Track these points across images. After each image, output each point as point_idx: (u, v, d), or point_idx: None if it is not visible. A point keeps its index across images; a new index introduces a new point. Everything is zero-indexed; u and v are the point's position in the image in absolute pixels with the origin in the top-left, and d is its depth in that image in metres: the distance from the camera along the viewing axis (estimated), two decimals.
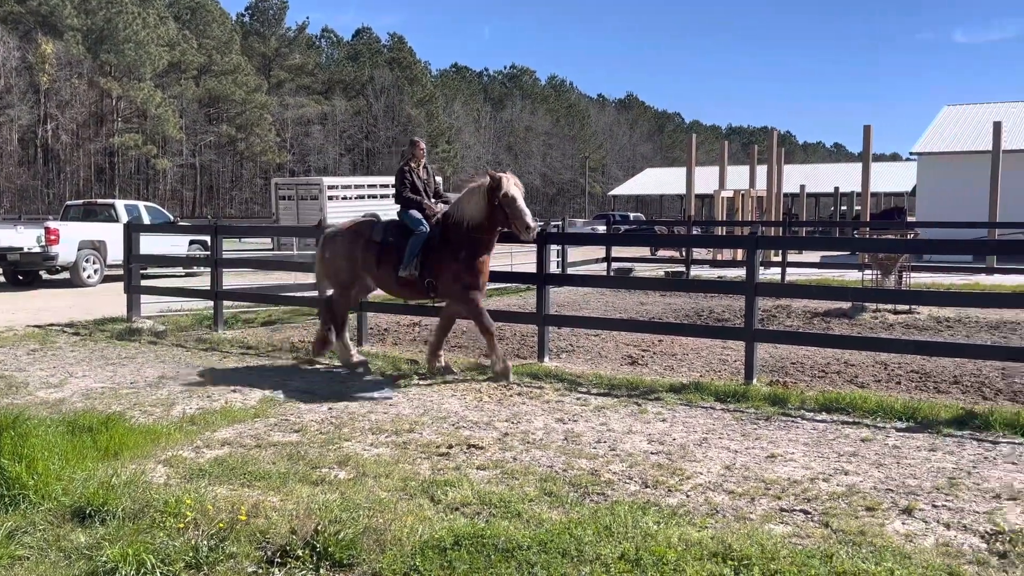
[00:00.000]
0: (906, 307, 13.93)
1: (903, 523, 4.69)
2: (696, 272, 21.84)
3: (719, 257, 26.22)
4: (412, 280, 8.62)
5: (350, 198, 27.81)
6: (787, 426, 6.80)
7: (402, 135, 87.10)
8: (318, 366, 9.40)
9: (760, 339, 8.65)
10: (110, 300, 15.17)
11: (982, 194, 25.76)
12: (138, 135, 70.76)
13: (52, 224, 19.88)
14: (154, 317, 12.86)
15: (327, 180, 28.10)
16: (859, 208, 32.58)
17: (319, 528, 4.42)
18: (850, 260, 21.39)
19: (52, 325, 12.44)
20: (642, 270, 22.22)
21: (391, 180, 31.59)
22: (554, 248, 15.82)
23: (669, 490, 5.25)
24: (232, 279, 18.38)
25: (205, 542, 4.36)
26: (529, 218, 8.21)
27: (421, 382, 8.56)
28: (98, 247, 20.02)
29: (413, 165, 9.17)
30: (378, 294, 10.37)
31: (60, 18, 68.08)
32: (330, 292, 9.59)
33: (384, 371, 9.05)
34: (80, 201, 26.79)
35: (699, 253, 23.54)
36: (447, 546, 4.27)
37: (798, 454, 6.01)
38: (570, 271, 17.19)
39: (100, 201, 24.95)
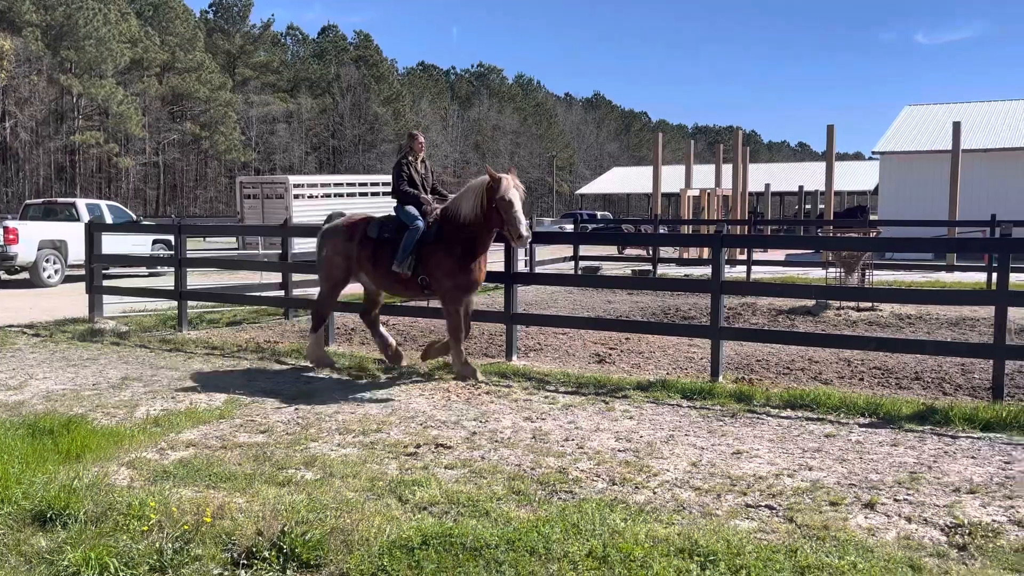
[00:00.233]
0: (869, 304, 14.13)
1: (866, 517, 4.76)
2: (663, 270, 21.99)
3: (686, 255, 26.42)
4: (406, 277, 8.46)
5: (316, 197, 27.55)
6: (752, 423, 6.87)
7: (369, 133, 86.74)
8: (284, 367, 9.33)
9: (726, 337, 8.73)
10: (71, 301, 14.95)
11: (942, 193, 26.20)
12: (99, 133, 69.70)
13: (11, 223, 19.56)
14: (117, 318, 12.69)
15: (293, 179, 27.79)
16: (823, 207, 32.98)
17: (286, 529, 4.39)
18: (814, 258, 21.64)
19: (11, 326, 12.22)
20: (609, 269, 22.32)
21: (359, 179, 31.53)
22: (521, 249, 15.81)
23: (636, 487, 5.29)
24: (197, 279, 18.22)
25: (170, 544, 4.31)
26: (523, 227, 7.98)
27: (388, 382, 8.54)
28: (59, 247, 19.73)
29: (411, 159, 8.94)
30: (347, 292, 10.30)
31: (18, 14, 66.83)
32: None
33: (351, 371, 9.01)
34: (40, 200, 26.35)
35: (666, 252, 23.69)
36: (415, 546, 4.26)
37: (763, 450, 6.07)
38: (538, 270, 17.24)
39: (61, 200, 24.57)
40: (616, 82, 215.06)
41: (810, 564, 4.08)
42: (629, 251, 26.19)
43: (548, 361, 9.72)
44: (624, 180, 71.75)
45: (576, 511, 4.76)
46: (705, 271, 19.94)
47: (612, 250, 26.36)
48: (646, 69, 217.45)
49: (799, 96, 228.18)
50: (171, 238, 17.40)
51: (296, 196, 26.27)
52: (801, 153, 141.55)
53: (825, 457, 5.90)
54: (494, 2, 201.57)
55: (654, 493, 5.18)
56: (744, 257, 21.47)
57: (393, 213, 8.88)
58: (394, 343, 9.22)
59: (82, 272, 14.22)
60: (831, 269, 16.13)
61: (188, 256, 12.83)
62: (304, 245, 20.39)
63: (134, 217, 24.74)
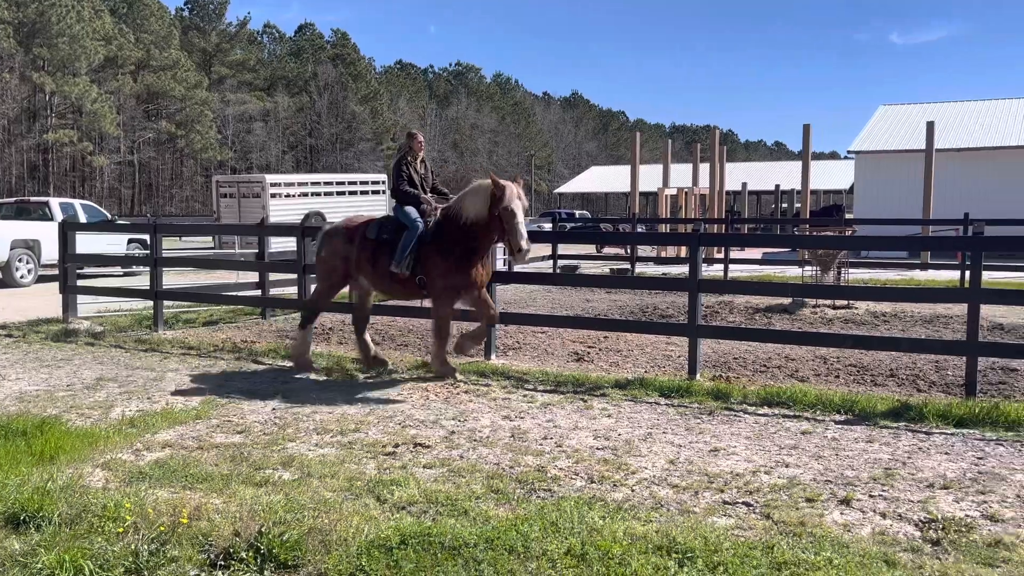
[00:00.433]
0: (844, 302, 14.25)
1: (841, 513, 4.81)
2: (641, 269, 22.06)
3: (663, 254, 26.52)
4: (404, 277, 8.35)
5: (293, 196, 27.40)
6: (730, 420, 6.91)
7: (346, 132, 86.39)
8: (261, 367, 9.27)
9: (703, 335, 8.77)
10: (45, 301, 14.78)
11: (916, 192, 26.47)
12: (73, 131, 68.94)
13: None
14: (91, 318, 12.57)
15: (270, 178, 27.64)
16: (799, 206, 33.23)
17: (263, 529, 4.36)
18: (790, 257, 21.79)
19: None
20: (588, 267, 22.36)
21: (336, 177, 31.39)
22: (499, 246, 15.82)
23: (615, 485, 5.31)
24: (173, 278, 18.07)
25: (145, 546, 4.28)
26: (524, 240, 7.80)
27: (367, 381, 8.51)
28: (32, 246, 19.51)
29: (411, 159, 8.83)
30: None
31: None
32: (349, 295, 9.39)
33: (329, 370, 8.97)
34: (12, 199, 26.09)
35: (644, 250, 23.77)
36: (393, 545, 4.25)
37: (740, 447, 6.11)
38: (516, 268, 17.22)
39: (34, 199, 24.31)
40: (594, 81, 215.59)
41: (786, 560, 4.11)
42: (607, 250, 26.25)
43: (527, 360, 9.72)
44: (602, 179, 71.95)
45: (555, 509, 4.77)
46: (683, 270, 20.03)
47: (591, 249, 26.39)
48: (624, 69, 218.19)
49: (776, 96, 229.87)
50: (146, 237, 17.27)
51: (273, 195, 26.13)
52: (778, 152, 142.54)
53: (802, 454, 5.95)
54: (471, 1, 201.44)
55: (632, 491, 5.20)
56: (721, 256, 21.59)
57: (391, 214, 8.79)
58: (373, 349, 9.14)
59: (55, 272, 14.06)
60: (807, 267, 16.25)
61: (163, 256, 12.73)
62: (281, 244, 20.31)
63: (108, 216, 24.50)
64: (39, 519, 4.61)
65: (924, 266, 21.41)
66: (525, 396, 7.77)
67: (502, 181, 7.99)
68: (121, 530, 4.43)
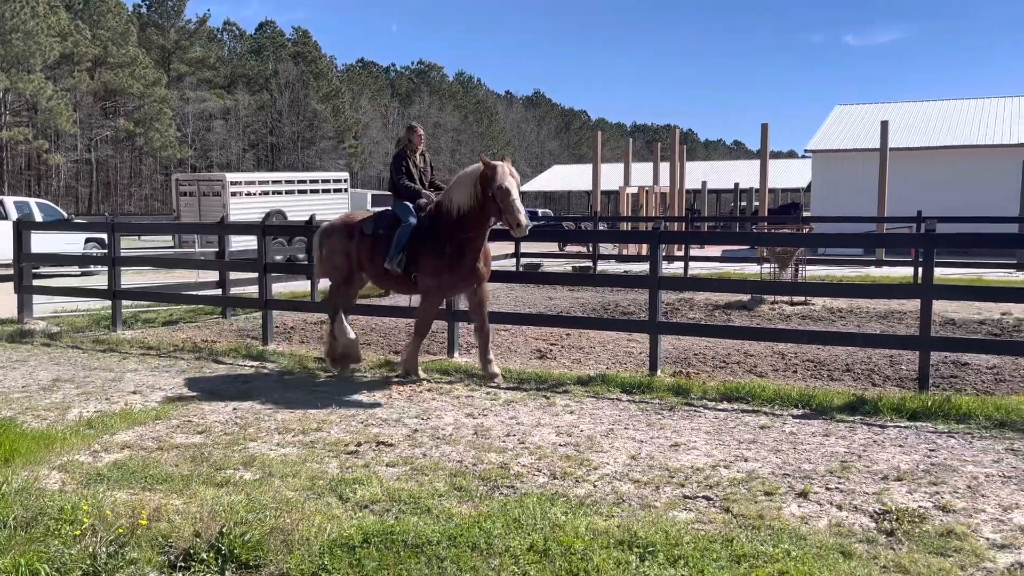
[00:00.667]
0: (802, 299, 14.43)
1: (799, 506, 4.87)
2: (603, 267, 22.14)
3: (625, 252, 26.65)
4: (398, 274, 8.17)
5: (254, 194, 27.11)
6: (690, 415, 6.96)
7: (308, 130, 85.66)
8: (222, 366, 9.17)
9: (664, 331, 8.84)
10: None
11: (872, 190, 26.90)
12: (28, 129, 67.49)
13: None
14: (47, 318, 12.34)
15: (230, 176, 27.30)
16: (757, 204, 33.59)
17: (224, 530, 4.32)
18: (749, 254, 22.02)
19: None
20: (550, 265, 22.40)
21: (298, 176, 31.11)
22: None
23: (577, 481, 5.32)
24: (132, 278, 17.80)
25: (104, 548, 4.21)
26: (522, 215, 7.63)
27: (329, 380, 8.45)
28: None
29: (410, 152, 8.62)
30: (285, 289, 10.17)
31: None
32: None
33: (291, 369, 8.89)
34: None
35: (605, 248, 23.86)
36: (356, 544, 4.23)
37: (700, 442, 6.17)
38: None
39: None
40: (556, 81, 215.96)
41: (746, 553, 4.16)
42: (570, 248, 26.33)
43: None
44: (564, 178, 72.11)
45: (517, 506, 4.78)
46: (644, 267, 20.15)
47: (553, 247, 26.46)
48: (585, 68, 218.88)
49: (734, 96, 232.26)
50: (104, 237, 16.99)
51: (233, 193, 25.83)
52: (736, 151, 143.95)
53: (760, 448, 6.02)
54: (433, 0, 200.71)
55: (594, 486, 5.22)
56: (682, 253, 21.75)
57: (389, 208, 8.56)
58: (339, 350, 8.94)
59: (10, 272, 13.76)
60: (766, 265, 16.43)
61: (122, 255, 12.52)
62: (242, 243, 20.09)
63: (65, 215, 24.10)
64: None
65: (879, 263, 21.76)
66: (488, 394, 7.76)
67: (492, 161, 7.79)
68: (78, 532, 4.36)
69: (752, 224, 29.15)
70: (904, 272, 19.60)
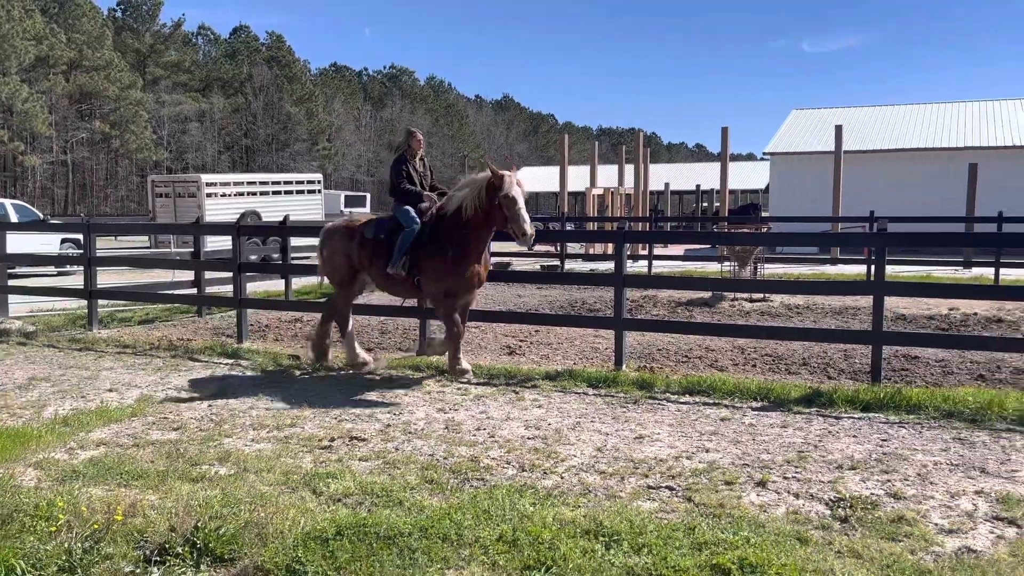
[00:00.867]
0: (761, 296, 14.57)
1: (758, 495, 4.91)
2: (570, 266, 22.20)
3: (591, 251, 26.73)
4: (401, 278, 8.04)
5: (229, 195, 26.83)
6: (654, 408, 7.00)
7: (282, 133, 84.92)
8: (198, 364, 9.06)
9: (628, 328, 8.87)
10: None
11: (827, 191, 27.21)
12: (3, 131, 66.24)
13: None
14: (23, 317, 12.12)
15: (205, 177, 27.00)
16: (718, 204, 33.84)
17: (199, 524, 4.27)
18: (711, 253, 22.20)
19: None
20: (519, 264, 22.41)
21: (272, 177, 30.82)
22: None
23: (545, 473, 5.33)
24: (109, 277, 17.54)
25: (79, 544, 4.14)
26: (528, 224, 7.52)
27: (303, 377, 8.39)
28: None
29: (410, 157, 8.43)
30: (259, 288, 10.07)
31: None
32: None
33: (265, 367, 8.82)
34: None
35: (573, 248, 23.91)
36: (329, 537, 4.20)
37: (664, 434, 6.20)
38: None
39: None
40: (524, 85, 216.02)
41: (707, 540, 4.18)
42: (538, 247, 26.32)
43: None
44: (533, 179, 72.01)
45: (487, 497, 4.77)
46: (609, 266, 20.24)
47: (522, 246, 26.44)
48: (553, 73, 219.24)
49: (696, 100, 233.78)
50: (80, 237, 16.73)
51: (209, 195, 25.55)
52: (698, 154, 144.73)
53: (721, 439, 6.06)
54: (406, 5, 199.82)
55: (561, 478, 5.23)
56: (646, 252, 21.86)
57: (391, 213, 8.39)
58: (328, 344, 8.88)
59: None
60: (726, 263, 16.56)
61: (98, 255, 12.34)
62: (217, 243, 19.88)
63: (41, 216, 23.69)
64: None
65: (834, 261, 22.03)
66: (459, 389, 7.75)
67: (500, 171, 7.64)
68: (54, 529, 4.28)
69: (713, 224, 29.36)
70: (858, 270, 19.85)
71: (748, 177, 61.22)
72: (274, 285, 15.66)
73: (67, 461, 5.56)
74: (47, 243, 20.76)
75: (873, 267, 9.21)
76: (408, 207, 8.18)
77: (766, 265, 17.06)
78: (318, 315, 12.18)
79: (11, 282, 12.94)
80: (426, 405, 7.13)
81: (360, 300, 9.28)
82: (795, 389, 7.44)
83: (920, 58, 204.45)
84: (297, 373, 8.56)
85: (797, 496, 4.89)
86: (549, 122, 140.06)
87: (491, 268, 8.65)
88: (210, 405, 7.15)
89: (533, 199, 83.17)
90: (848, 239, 17.68)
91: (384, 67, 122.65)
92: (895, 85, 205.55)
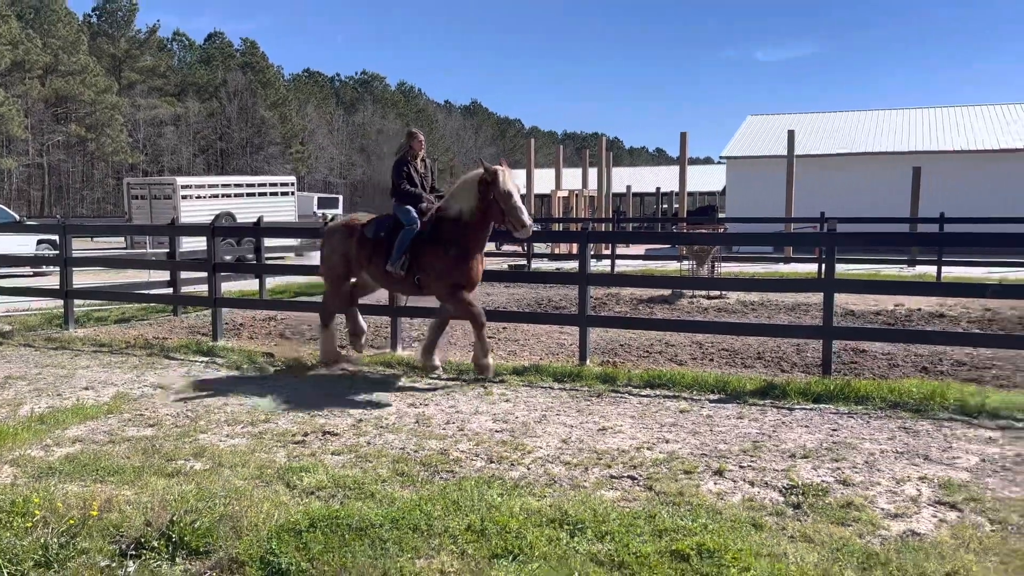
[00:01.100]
0: (718, 293, 14.69)
1: (715, 483, 4.95)
2: (536, 265, 22.22)
3: (556, 251, 26.77)
4: (400, 276, 7.94)
5: (204, 197, 26.49)
6: (616, 401, 7.03)
7: (256, 136, 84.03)
8: (174, 361, 8.94)
9: (592, 324, 8.90)
10: None
11: (780, 193, 27.51)
12: None
13: None
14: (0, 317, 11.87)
15: (181, 180, 26.62)
16: (677, 206, 34.08)
17: (175, 518, 4.21)
18: (670, 252, 22.34)
19: None
20: (487, 264, 22.34)
21: (247, 179, 30.47)
22: None
23: (512, 464, 5.33)
24: (85, 278, 17.23)
25: (55, 539, 4.07)
26: (526, 216, 7.46)
27: (277, 374, 8.31)
28: None
29: (411, 158, 8.32)
30: (235, 288, 9.94)
31: None
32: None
33: (240, 364, 8.71)
34: None
35: (539, 247, 23.93)
36: (303, 529, 4.16)
37: (626, 426, 6.22)
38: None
39: None
40: (492, 91, 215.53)
41: (667, 527, 4.21)
42: (506, 247, 26.34)
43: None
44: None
45: (456, 489, 4.76)
46: (574, 265, 20.29)
47: (490, 246, 26.42)
48: (520, 79, 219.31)
49: (657, 106, 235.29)
50: (56, 238, 16.42)
51: (184, 197, 25.21)
52: (658, 158, 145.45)
53: (680, 430, 6.10)
54: (377, 12, 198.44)
55: (528, 469, 5.23)
56: (609, 252, 21.94)
57: (392, 213, 8.24)
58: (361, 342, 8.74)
59: None
60: (685, 262, 16.68)
61: (74, 256, 12.11)
62: (192, 244, 19.61)
63: (16, 217, 23.20)
64: None
65: (787, 260, 22.27)
66: (429, 384, 7.72)
67: (492, 166, 7.55)
68: (30, 524, 4.20)
69: (672, 225, 29.56)
70: (809, 268, 20.10)
71: (706, 180, 61.71)
72: (249, 284, 15.48)
73: (43, 458, 5.45)
74: (23, 244, 20.36)
75: (824, 265, 9.32)
76: (409, 207, 8.09)
77: (723, 264, 17.21)
78: (292, 313, 12.10)
79: None
80: (397, 400, 7.09)
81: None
82: (750, 382, 7.51)
83: (868, 67, 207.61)
84: (271, 370, 8.47)
85: (752, 484, 4.93)
86: (516, 127, 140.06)
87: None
88: (185, 402, 7.05)
89: None
90: (800, 239, 17.89)
91: (356, 73, 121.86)
92: (845, 92, 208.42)
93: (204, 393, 7.37)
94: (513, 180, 7.58)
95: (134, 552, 4.03)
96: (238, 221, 24.82)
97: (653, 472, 5.13)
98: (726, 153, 36.09)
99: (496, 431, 6.10)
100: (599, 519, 4.29)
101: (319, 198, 46.86)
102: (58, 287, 11.58)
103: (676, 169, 38.87)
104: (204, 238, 11.80)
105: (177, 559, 4.00)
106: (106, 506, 4.44)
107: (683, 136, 28.92)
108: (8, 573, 3.82)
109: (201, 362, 8.85)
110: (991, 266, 19.26)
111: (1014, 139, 32.68)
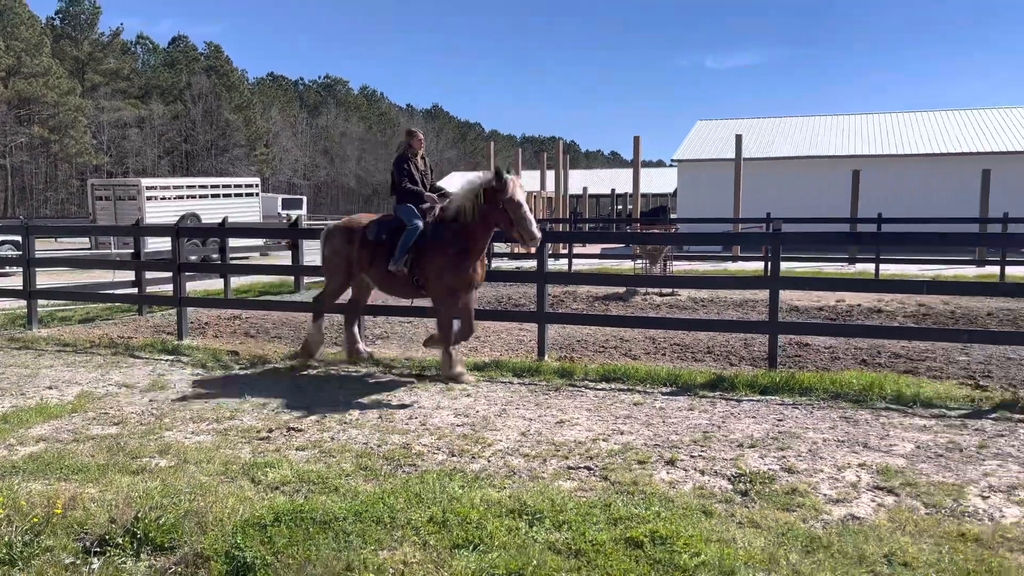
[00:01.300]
0: (670, 290, 14.82)
1: (668, 472, 5.00)
2: (497, 264, 22.20)
3: (516, 250, 26.78)
4: (402, 276, 7.75)
5: (169, 198, 26.00)
6: (573, 395, 7.05)
7: (221, 139, 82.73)
8: (139, 360, 8.76)
9: (550, 321, 8.92)
10: None
11: (728, 195, 27.87)
12: None
13: None
14: None
15: (146, 181, 26.09)
16: (631, 207, 34.31)
17: (139, 515, 4.12)
18: (625, 251, 22.50)
19: None
20: None
21: (212, 181, 30.05)
22: None
23: (473, 457, 5.32)
24: (49, 278, 16.81)
25: (19, 538, 3.95)
26: (535, 227, 7.26)
27: (242, 373, 8.19)
28: None
29: (411, 156, 8.07)
30: (197, 287, 9.77)
31: None
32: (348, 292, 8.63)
33: (205, 363, 8.57)
34: None
35: (499, 247, 23.93)
36: (267, 523, 4.10)
37: (582, 419, 6.25)
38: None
39: None
40: (453, 95, 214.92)
41: (622, 516, 4.23)
42: None
43: (394, 348, 9.61)
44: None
45: (418, 482, 4.74)
46: (533, 264, 20.32)
47: None
48: (479, 84, 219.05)
49: (611, 110, 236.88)
50: (19, 238, 15.99)
51: (149, 198, 24.73)
52: (613, 161, 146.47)
53: (634, 422, 6.14)
54: (340, 17, 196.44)
55: (488, 461, 5.23)
56: (566, 251, 22.02)
57: (393, 212, 8.04)
58: (358, 343, 8.51)
59: None
60: (639, 260, 16.80)
61: (37, 256, 11.81)
62: (157, 244, 19.25)
63: None
64: None
65: (735, 258, 22.57)
66: (392, 380, 7.67)
67: (504, 175, 7.31)
68: None
69: (627, 225, 29.75)
70: (756, 266, 20.38)
71: (658, 182, 62.21)
72: (214, 284, 15.23)
73: (6, 457, 5.31)
74: None
75: (769, 263, 9.45)
76: (411, 205, 7.91)
77: (674, 262, 17.37)
78: (257, 312, 11.94)
79: None
80: (361, 396, 7.03)
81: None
82: (701, 375, 7.59)
83: (812, 75, 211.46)
84: (236, 368, 8.35)
85: (703, 473, 4.98)
86: (476, 130, 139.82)
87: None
88: (151, 400, 6.91)
89: None
90: (747, 238, 18.13)
91: (319, 77, 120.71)
92: (790, 99, 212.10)
93: (169, 391, 7.24)
94: (523, 191, 7.42)
95: (99, 549, 3.94)
96: (203, 222, 24.43)
97: (608, 463, 5.16)
98: (677, 156, 36.43)
99: (457, 425, 6.09)
100: (557, 509, 4.30)
101: (283, 199, 46.30)
102: (21, 287, 11.28)
103: (630, 172, 39.12)
104: (169, 239, 11.60)
105: (142, 555, 3.92)
106: (70, 504, 4.33)
107: (636, 140, 29.14)
108: None
109: (166, 361, 8.69)
110: (925, 263, 19.72)
111: (946, 144, 33.51)
